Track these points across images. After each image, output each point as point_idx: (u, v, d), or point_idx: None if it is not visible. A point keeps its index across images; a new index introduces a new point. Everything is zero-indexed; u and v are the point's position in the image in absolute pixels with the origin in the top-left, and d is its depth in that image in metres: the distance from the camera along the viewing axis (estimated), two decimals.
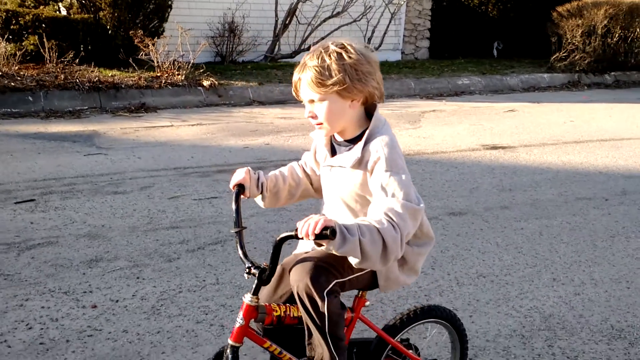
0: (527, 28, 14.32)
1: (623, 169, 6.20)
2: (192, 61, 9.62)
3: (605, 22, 12.53)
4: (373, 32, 13.41)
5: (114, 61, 9.75)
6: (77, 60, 9.25)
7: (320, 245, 1.77)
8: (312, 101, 1.97)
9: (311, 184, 2.29)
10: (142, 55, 9.46)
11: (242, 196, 2.10)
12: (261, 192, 2.17)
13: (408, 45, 14.70)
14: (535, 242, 4.27)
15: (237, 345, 1.95)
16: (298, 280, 1.93)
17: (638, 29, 13.09)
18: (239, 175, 2.13)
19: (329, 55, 1.90)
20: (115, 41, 9.87)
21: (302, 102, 2.01)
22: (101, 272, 3.65)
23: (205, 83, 9.46)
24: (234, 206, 2.05)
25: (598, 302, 3.47)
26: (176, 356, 2.85)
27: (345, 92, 1.92)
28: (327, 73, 1.89)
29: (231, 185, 2.12)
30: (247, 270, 1.93)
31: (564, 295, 3.53)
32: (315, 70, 1.90)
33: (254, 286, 1.93)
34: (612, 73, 13.29)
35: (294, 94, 2.03)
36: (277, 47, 12.50)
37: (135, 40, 9.25)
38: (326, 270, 1.94)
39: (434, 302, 3.36)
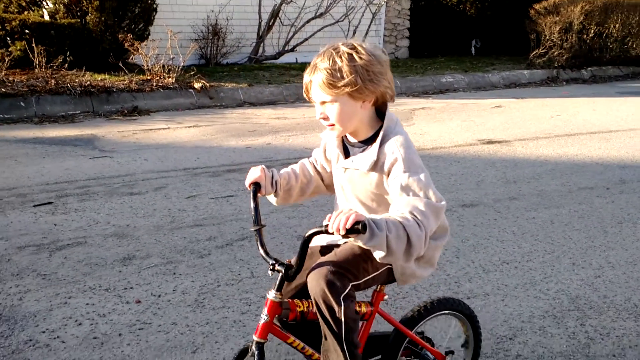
0: (505, 26, 14.64)
1: (617, 160, 6.43)
2: (182, 64, 9.66)
3: (582, 18, 12.88)
4: (354, 32, 13.56)
5: (103, 65, 9.73)
6: (66, 65, 9.20)
7: (347, 237, 1.76)
8: (323, 103, 1.96)
9: (322, 181, 2.29)
10: (132, 58, 9.46)
11: (259, 194, 2.11)
12: (275, 190, 2.18)
13: (388, 45, 14.90)
14: (548, 230, 4.44)
15: (262, 341, 1.95)
16: (315, 286, 1.94)
17: (612, 25, 13.47)
18: (255, 173, 2.13)
19: (340, 57, 1.89)
20: (102, 45, 9.83)
21: (312, 103, 2.01)
22: (137, 269, 3.71)
23: (197, 85, 9.50)
24: (252, 204, 2.05)
25: (618, 283, 3.65)
26: (229, 345, 2.92)
27: (356, 93, 1.91)
28: (338, 75, 1.88)
29: (247, 184, 2.12)
30: (272, 267, 1.93)
31: (585, 278, 3.70)
32: (327, 72, 1.89)
33: (277, 282, 1.94)
34: (589, 68, 13.67)
35: (304, 95, 2.02)
36: (261, 48, 12.57)
37: (126, 44, 9.26)
38: (342, 275, 1.95)
39: (465, 289, 3.51)
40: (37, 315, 3.16)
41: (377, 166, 1.97)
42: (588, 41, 13.33)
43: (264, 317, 1.95)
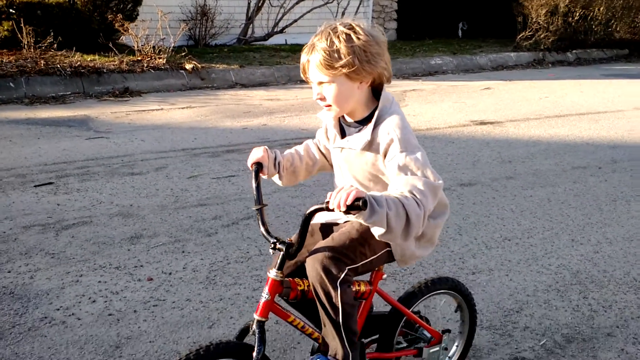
0: (491, 8, 14.70)
1: (607, 140, 6.55)
2: (172, 45, 9.60)
3: (567, 1, 12.98)
4: (343, 14, 13.54)
5: (92, 46, 9.64)
6: (55, 45, 9.10)
7: (348, 214, 1.74)
8: (320, 83, 1.94)
9: (327, 160, 2.27)
10: (121, 39, 9.39)
11: (260, 174, 2.11)
12: (278, 172, 2.18)
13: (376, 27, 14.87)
14: (546, 207, 4.54)
15: (263, 320, 1.94)
16: (312, 271, 1.95)
17: (597, 9, 13.59)
18: (257, 153, 2.12)
19: (338, 37, 1.86)
20: (91, 25, 9.74)
21: (309, 83, 2.00)
22: (145, 247, 3.74)
23: (188, 66, 9.46)
24: (254, 184, 2.05)
25: (617, 258, 3.75)
26: (244, 320, 2.98)
27: (354, 74, 1.88)
28: (336, 55, 1.85)
29: (249, 164, 2.12)
30: (273, 245, 1.93)
31: (585, 254, 3.80)
32: (325, 52, 1.86)
33: (278, 261, 1.93)
34: (574, 51, 13.81)
35: (302, 75, 2.00)
36: (250, 30, 12.52)
37: (116, 24, 9.18)
38: (338, 259, 1.94)
39: (470, 265, 3.59)
40: (50, 293, 3.19)
41: (371, 146, 1.96)
42: (573, 24, 13.45)
43: (265, 295, 1.94)
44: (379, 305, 2.56)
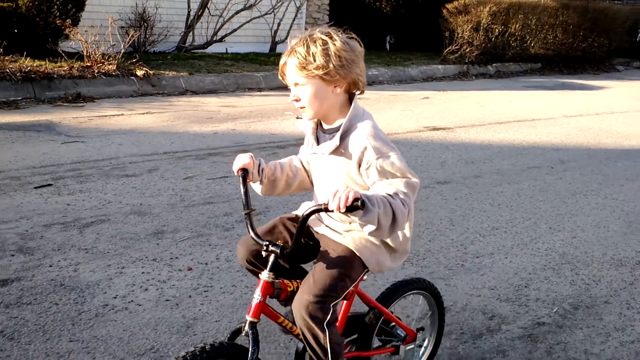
0: (417, 23, 15.50)
1: (549, 144, 7.26)
2: (122, 51, 9.62)
3: (489, 18, 13.96)
4: (279, 25, 13.93)
5: (39, 51, 9.49)
6: (1, 50, 8.92)
7: (346, 214, 1.84)
8: (296, 84, 2.02)
9: (308, 176, 2.31)
10: (71, 45, 9.32)
11: (247, 180, 2.15)
12: (260, 179, 2.22)
13: None
14: (518, 201, 5.08)
15: (255, 320, 1.98)
16: (298, 318, 2.01)
17: (514, 26, 14.68)
18: (243, 159, 2.16)
19: (314, 42, 1.96)
20: (36, 30, 9.59)
21: (288, 86, 2.09)
22: (171, 242, 3.94)
23: (139, 73, 9.51)
24: (242, 189, 2.10)
25: (592, 242, 4.32)
26: None
27: (328, 77, 1.97)
28: (311, 58, 1.95)
29: (235, 169, 2.15)
30: (265, 248, 1.97)
31: (564, 239, 4.34)
32: (301, 55, 1.96)
33: (270, 263, 1.98)
34: (494, 64, 14.81)
35: (279, 77, 2.10)
36: (191, 38, 12.63)
37: (66, 30, 9.11)
38: (322, 303, 1.99)
39: (471, 250, 4.04)
40: (100, 284, 3.34)
41: (341, 152, 2.04)
42: (493, 39, 14.46)
43: (257, 297, 1.99)
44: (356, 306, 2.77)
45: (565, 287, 3.59)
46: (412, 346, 2.52)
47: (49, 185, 4.83)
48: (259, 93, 10.29)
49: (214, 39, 12.81)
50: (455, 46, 13.94)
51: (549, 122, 8.67)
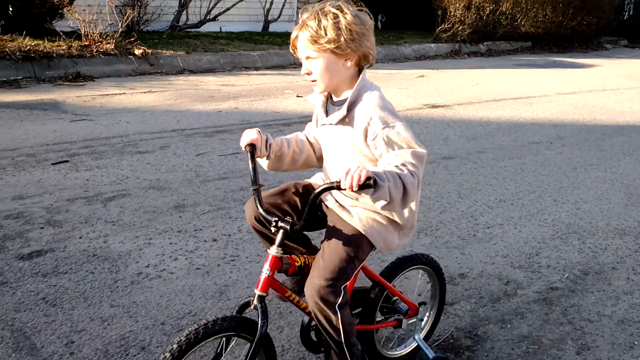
0: (409, 2, 15.56)
1: (546, 120, 7.43)
2: (120, 30, 9.63)
3: None
4: (271, 4, 13.94)
5: (36, 30, 9.47)
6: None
7: (358, 193, 1.86)
8: (308, 58, 2.03)
9: (314, 152, 2.32)
10: (69, 24, 9.32)
11: (255, 156, 2.14)
12: (268, 154, 2.21)
13: None
14: (521, 175, 5.25)
15: (264, 294, 2.01)
16: (310, 301, 2.04)
17: (505, 4, 14.80)
18: (251, 135, 2.14)
19: (325, 16, 1.96)
20: (32, 9, 9.56)
21: (300, 59, 2.08)
22: (193, 215, 4.06)
23: (137, 52, 9.54)
24: (250, 165, 2.09)
25: (595, 213, 4.50)
26: None
27: (339, 51, 1.98)
28: (322, 32, 1.96)
29: (242, 145, 2.14)
30: (274, 224, 1.99)
31: (569, 210, 4.51)
32: (312, 29, 1.97)
33: (279, 239, 2.00)
34: (485, 43, 14.94)
35: (291, 50, 2.10)
36: (185, 17, 12.62)
37: (65, 9, 9.10)
38: (333, 286, 2.02)
39: (482, 221, 4.20)
40: (131, 254, 3.46)
41: (347, 122, 2.05)
42: (484, 18, 14.58)
43: (265, 271, 2.01)
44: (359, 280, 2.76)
45: (574, 255, 3.77)
46: (414, 320, 2.56)
47: (66, 161, 4.91)
48: (255, 72, 10.36)
49: (208, 17, 12.80)
50: (448, 25, 14.05)
51: (544, 99, 8.84)
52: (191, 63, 10.08)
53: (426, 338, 2.68)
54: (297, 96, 8.15)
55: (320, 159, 2.31)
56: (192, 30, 12.59)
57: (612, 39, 18.96)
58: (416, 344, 2.60)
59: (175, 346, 1.84)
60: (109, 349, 2.59)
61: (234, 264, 3.41)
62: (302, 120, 6.36)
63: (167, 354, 1.84)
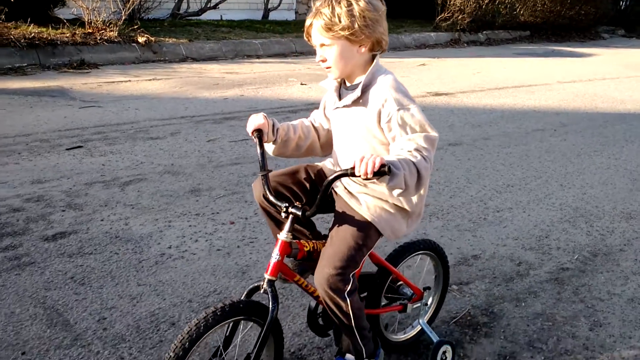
0: None
1: (549, 108, 7.53)
2: (123, 18, 9.66)
3: None
4: None
5: (39, 17, 9.49)
6: (2, 16, 8.92)
7: (372, 180, 1.86)
8: (322, 45, 2.04)
9: (318, 139, 2.34)
10: (73, 11, 9.35)
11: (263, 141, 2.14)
12: (275, 139, 2.21)
13: (301, 6, 15.40)
14: (527, 161, 5.35)
15: (274, 279, 2.02)
16: (320, 290, 2.06)
17: None
18: (258, 119, 2.13)
19: (339, 3, 1.98)
20: None
21: (313, 46, 2.10)
22: (209, 199, 4.14)
23: (140, 39, 9.57)
24: (258, 150, 2.08)
25: (601, 197, 4.60)
26: None
27: (353, 37, 1.99)
28: (336, 19, 1.97)
29: (249, 130, 2.14)
30: (285, 209, 2.00)
31: (575, 195, 4.61)
32: (326, 16, 1.98)
33: (288, 224, 2.02)
34: (484, 32, 15.00)
35: (305, 38, 2.11)
36: (186, 5, 12.64)
37: None
38: (342, 274, 2.03)
39: (491, 205, 4.30)
40: (153, 236, 3.55)
41: (361, 104, 2.06)
42: (484, 7, 14.64)
43: (275, 256, 2.02)
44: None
45: (582, 237, 3.87)
46: (419, 304, 2.59)
47: (80, 147, 4.98)
48: (258, 60, 10.40)
49: (208, 5, 12.82)
50: (447, 13, 14.11)
51: (545, 87, 8.93)
52: (194, 51, 10.11)
53: (429, 322, 2.73)
54: (301, 84, 8.22)
55: (324, 147, 2.34)
56: (193, 18, 12.61)
57: (610, 28, 19.06)
58: (420, 328, 2.63)
59: (193, 328, 1.85)
60: (140, 325, 2.67)
61: (252, 246, 3.49)
62: (309, 107, 6.44)
63: (193, 328, 1.85)
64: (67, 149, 4.89)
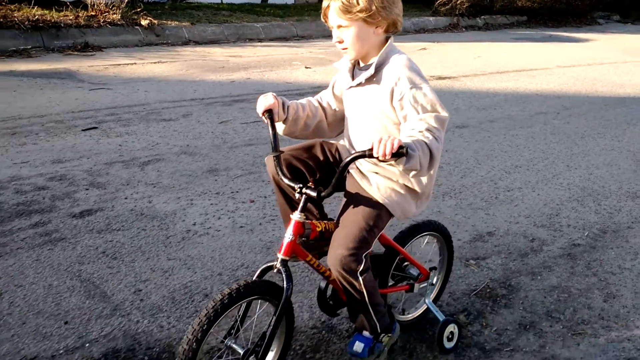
0: None
1: (550, 92, 7.64)
2: (125, 0, 9.68)
3: None
4: None
5: (42, 0, 9.50)
6: None
7: (389, 161, 1.88)
8: (339, 27, 2.05)
9: (326, 117, 2.34)
10: None
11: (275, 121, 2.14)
12: (286, 117, 2.21)
13: None
14: (533, 143, 5.47)
15: (287, 258, 2.04)
16: (334, 270, 2.09)
17: None
18: (268, 100, 2.14)
19: None
20: None
21: (330, 28, 2.11)
22: (227, 178, 4.23)
23: (143, 22, 9.60)
24: (270, 131, 2.09)
25: (607, 178, 4.72)
26: None
27: (370, 19, 2.01)
28: (354, 1, 1.99)
29: (259, 111, 2.15)
30: (299, 190, 2.02)
31: (582, 175, 4.74)
32: None
33: (301, 204, 2.04)
34: (482, 17, 15.07)
35: (322, 20, 2.13)
36: None
37: None
38: (355, 255, 2.06)
39: (502, 185, 4.41)
40: (177, 214, 3.64)
41: (375, 82, 2.08)
42: None
43: (288, 236, 2.04)
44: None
45: (591, 215, 4.00)
46: (425, 284, 2.62)
47: (95, 128, 5.05)
48: (260, 43, 10.45)
49: None
50: None
51: (546, 72, 9.04)
52: (196, 34, 10.15)
53: (435, 301, 2.75)
54: (306, 67, 8.29)
55: (331, 125, 2.35)
56: (194, 1, 12.62)
57: (605, 14, 19.17)
58: (426, 307, 2.66)
59: (210, 309, 1.88)
60: (175, 296, 2.78)
61: (274, 223, 3.59)
62: (315, 90, 6.47)
63: (210, 310, 1.88)
64: (82, 130, 4.96)
